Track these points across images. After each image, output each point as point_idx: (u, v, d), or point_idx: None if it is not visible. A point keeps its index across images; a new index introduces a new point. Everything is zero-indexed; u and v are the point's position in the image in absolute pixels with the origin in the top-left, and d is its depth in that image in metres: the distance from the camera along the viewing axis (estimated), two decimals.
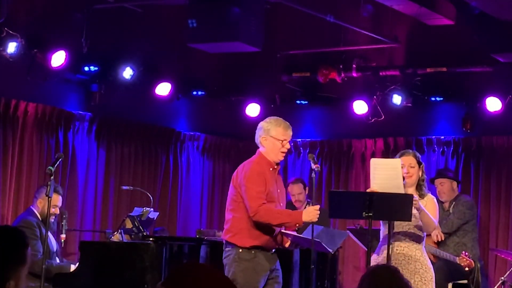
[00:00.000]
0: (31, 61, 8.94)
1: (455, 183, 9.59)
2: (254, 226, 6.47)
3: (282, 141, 6.57)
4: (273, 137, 6.55)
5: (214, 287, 2.60)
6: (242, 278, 6.36)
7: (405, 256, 6.57)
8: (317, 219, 6.51)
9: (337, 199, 6.77)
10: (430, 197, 6.71)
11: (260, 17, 8.18)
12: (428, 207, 6.55)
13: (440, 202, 9.51)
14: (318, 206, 6.47)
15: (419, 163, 6.73)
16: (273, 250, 6.66)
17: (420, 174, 6.71)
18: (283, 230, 6.69)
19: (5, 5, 8.15)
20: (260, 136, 6.60)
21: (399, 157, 6.74)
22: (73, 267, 7.97)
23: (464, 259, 8.56)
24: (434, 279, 6.65)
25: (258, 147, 6.69)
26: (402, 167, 6.63)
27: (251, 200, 6.41)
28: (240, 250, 6.45)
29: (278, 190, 6.65)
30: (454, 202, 9.45)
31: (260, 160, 6.59)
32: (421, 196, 6.61)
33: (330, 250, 7.00)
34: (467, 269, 8.66)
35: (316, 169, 6.71)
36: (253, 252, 6.45)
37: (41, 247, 7.57)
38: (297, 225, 6.53)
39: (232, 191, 6.60)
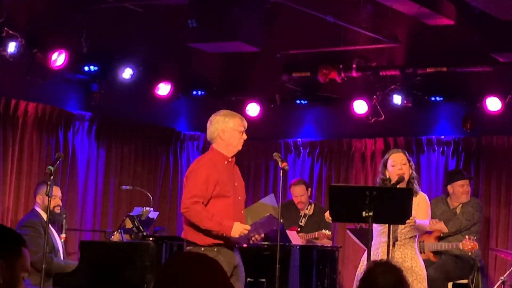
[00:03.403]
0: (31, 61, 8.94)
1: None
2: None
3: (241, 131, 6.50)
4: (232, 128, 6.47)
5: (206, 276, 2.63)
6: None
7: (401, 253, 6.60)
8: (245, 236, 6.37)
9: (337, 194, 6.67)
10: (422, 195, 6.73)
11: (260, 17, 8.19)
12: (420, 205, 6.61)
13: (446, 202, 9.47)
14: (249, 227, 6.34)
15: (409, 161, 6.75)
16: (235, 246, 6.51)
17: (410, 172, 6.73)
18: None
19: (5, 5, 8.16)
20: (217, 130, 6.48)
21: (389, 156, 6.76)
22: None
23: (468, 243, 8.61)
24: (426, 278, 6.70)
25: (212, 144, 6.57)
26: (393, 165, 6.65)
27: (186, 195, 6.34)
28: (202, 249, 6.29)
29: (236, 183, 6.53)
30: (462, 203, 9.38)
31: (213, 155, 6.50)
32: (414, 193, 6.64)
33: (277, 217, 6.90)
34: (470, 254, 8.71)
35: (285, 168, 6.73)
36: (215, 249, 6.32)
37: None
38: (224, 235, 6.33)
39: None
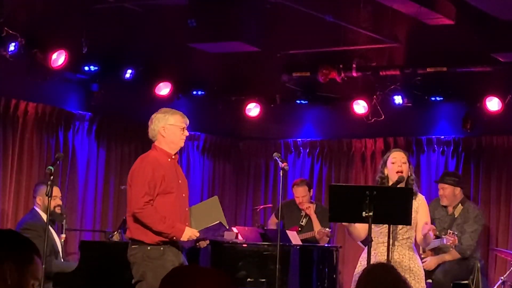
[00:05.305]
0: (31, 61, 8.95)
1: (458, 189, 9.30)
2: None
3: (182, 128, 6.46)
4: (172, 125, 6.42)
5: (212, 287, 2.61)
6: (152, 277, 6.15)
7: (399, 254, 6.60)
8: (193, 239, 6.37)
9: (337, 193, 6.63)
10: (421, 197, 6.70)
11: (260, 17, 8.19)
12: (421, 208, 6.58)
13: (442, 205, 9.44)
14: (198, 233, 6.33)
15: (409, 162, 6.74)
16: (182, 246, 6.45)
17: (409, 173, 6.71)
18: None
19: (5, 5, 8.16)
20: (157, 127, 6.41)
21: (390, 153, 6.74)
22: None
23: (449, 238, 8.68)
24: (424, 277, 6.69)
25: (154, 142, 6.48)
26: (393, 162, 6.64)
27: (138, 194, 6.25)
28: (149, 248, 6.26)
29: (180, 181, 6.48)
30: (460, 208, 9.29)
31: (156, 153, 6.44)
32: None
33: (226, 225, 6.89)
34: (452, 248, 8.74)
35: (285, 168, 6.66)
36: (161, 249, 6.27)
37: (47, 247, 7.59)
38: (174, 238, 6.28)
39: (128, 188, 6.47)
